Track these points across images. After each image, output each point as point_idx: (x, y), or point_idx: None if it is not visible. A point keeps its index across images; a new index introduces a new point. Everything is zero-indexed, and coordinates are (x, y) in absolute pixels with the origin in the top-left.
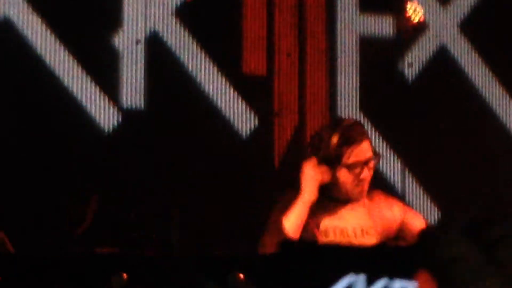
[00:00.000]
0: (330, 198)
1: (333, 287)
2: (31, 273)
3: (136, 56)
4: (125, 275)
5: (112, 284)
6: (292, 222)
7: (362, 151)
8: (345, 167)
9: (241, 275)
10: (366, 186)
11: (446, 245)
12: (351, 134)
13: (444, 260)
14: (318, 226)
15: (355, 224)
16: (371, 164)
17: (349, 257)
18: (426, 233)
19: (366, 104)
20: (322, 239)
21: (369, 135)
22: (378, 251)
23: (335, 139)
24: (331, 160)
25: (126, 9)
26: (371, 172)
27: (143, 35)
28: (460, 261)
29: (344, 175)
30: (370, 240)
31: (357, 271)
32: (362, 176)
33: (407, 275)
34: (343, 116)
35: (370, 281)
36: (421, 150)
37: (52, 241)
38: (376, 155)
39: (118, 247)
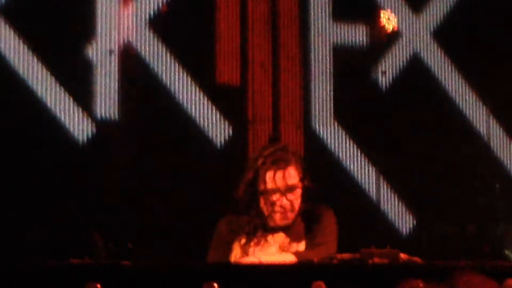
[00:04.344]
0: (260, 226)
1: None
2: (5, 284)
3: (110, 66)
4: (99, 286)
5: None
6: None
7: (283, 177)
8: (264, 192)
9: (216, 285)
10: (291, 214)
11: None
12: (275, 159)
13: None
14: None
15: (280, 259)
16: (296, 192)
17: None
18: None
19: (340, 112)
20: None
21: (298, 162)
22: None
23: (259, 162)
24: (254, 183)
25: (99, 20)
26: (297, 200)
27: (117, 45)
28: None
29: (263, 201)
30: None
31: None
32: (280, 204)
33: None
34: (317, 125)
35: None
36: (395, 158)
37: (25, 252)
38: (303, 181)
39: (92, 258)
